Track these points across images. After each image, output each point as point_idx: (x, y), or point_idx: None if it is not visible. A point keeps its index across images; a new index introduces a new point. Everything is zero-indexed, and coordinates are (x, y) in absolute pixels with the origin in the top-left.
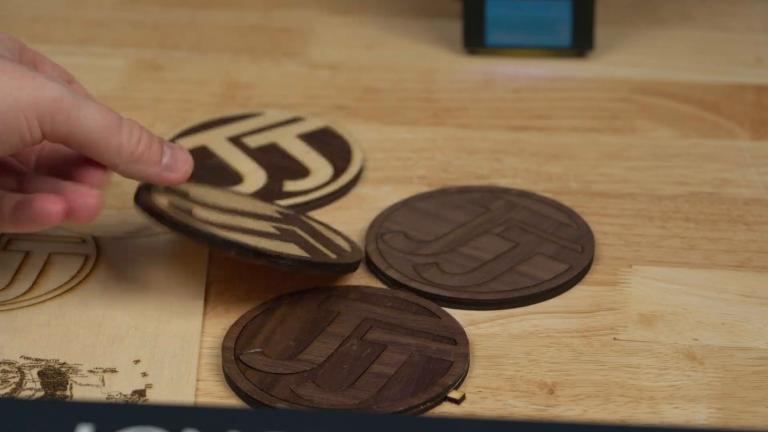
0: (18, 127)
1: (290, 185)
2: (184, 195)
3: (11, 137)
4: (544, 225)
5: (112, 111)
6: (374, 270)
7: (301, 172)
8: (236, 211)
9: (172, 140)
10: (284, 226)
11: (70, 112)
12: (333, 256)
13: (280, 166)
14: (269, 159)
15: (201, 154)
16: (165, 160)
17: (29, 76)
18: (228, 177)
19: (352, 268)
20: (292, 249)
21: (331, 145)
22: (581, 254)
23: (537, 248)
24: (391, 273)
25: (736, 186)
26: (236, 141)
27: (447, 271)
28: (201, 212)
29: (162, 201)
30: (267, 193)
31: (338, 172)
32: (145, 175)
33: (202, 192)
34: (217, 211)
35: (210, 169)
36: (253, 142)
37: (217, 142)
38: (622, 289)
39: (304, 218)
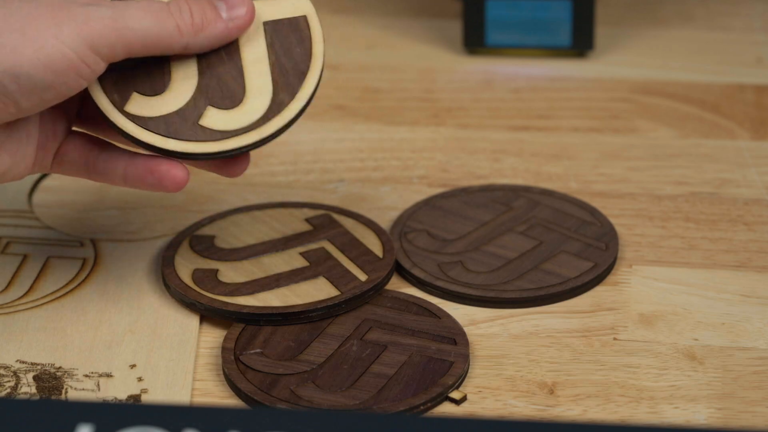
0: (67, 63)
1: (210, 117)
2: (209, 247)
3: (63, 75)
4: (567, 223)
5: (154, 1)
6: (399, 269)
7: (234, 95)
8: (263, 249)
9: None
10: (313, 247)
11: (119, 29)
12: (363, 277)
13: (217, 74)
14: (212, 55)
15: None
16: (224, 14)
17: (65, 10)
18: (155, 79)
19: (382, 285)
20: (320, 289)
21: (292, 53)
22: (605, 252)
23: (561, 246)
24: (416, 272)
25: (736, 186)
26: None
27: (472, 270)
28: (228, 273)
29: (184, 272)
30: (179, 123)
31: (273, 109)
32: (216, 38)
33: (228, 228)
34: (243, 261)
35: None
36: None
37: None
38: (622, 289)
39: (336, 217)
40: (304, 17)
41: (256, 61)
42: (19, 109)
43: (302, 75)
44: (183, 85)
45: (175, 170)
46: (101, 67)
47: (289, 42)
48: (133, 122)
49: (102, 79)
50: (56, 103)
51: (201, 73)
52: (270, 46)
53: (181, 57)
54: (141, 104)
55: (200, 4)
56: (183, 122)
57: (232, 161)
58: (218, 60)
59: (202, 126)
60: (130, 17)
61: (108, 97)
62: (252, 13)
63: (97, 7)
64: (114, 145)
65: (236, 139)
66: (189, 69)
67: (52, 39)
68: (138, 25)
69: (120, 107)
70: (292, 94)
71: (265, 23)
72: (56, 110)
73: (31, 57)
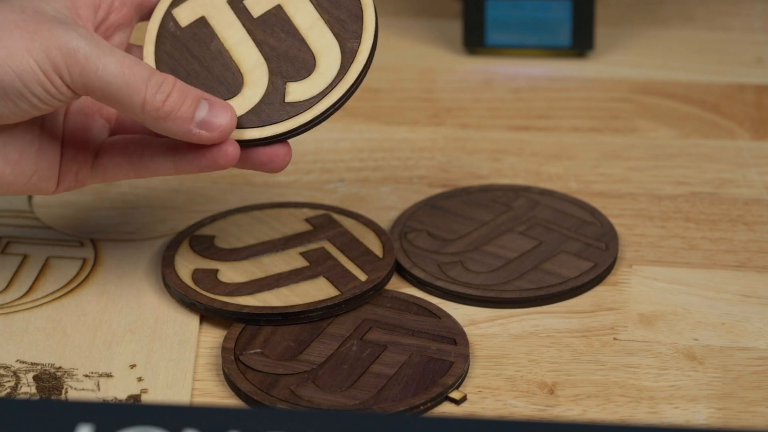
0: (33, 76)
1: (293, 91)
2: (209, 247)
3: (31, 86)
4: (567, 223)
5: (141, 64)
6: (399, 269)
7: (306, 63)
8: (263, 249)
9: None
10: (313, 247)
11: (86, 63)
12: (363, 277)
13: (282, 52)
14: (271, 39)
15: (198, 35)
16: (200, 115)
17: (45, 28)
18: (228, 81)
19: (383, 285)
20: (321, 289)
21: (340, 3)
22: (605, 252)
23: (561, 246)
24: (416, 272)
25: (736, 186)
26: (237, 6)
27: (472, 270)
28: (228, 273)
29: (184, 272)
30: (268, 110)
31: (347, 57)
32: (174, 134)
33: (228, 228)
34: (243, 261)
35: (207, 67)
36: (255, 6)
37: (215, 6)
38: (622, 289)
39: (336, 217)
40: None
41: (312, 26)
42: None
43: (359, 18)
44: (255, 76)
45: (226, 146)
46: (66, 92)
47: None
48: None
49: None
50: (39, 115)
51: (267, 58)
52: (318, 7)
53: (241, 51)
54: None
55: (183, 94)
56: (270, 107)
57: (274, 153)
58: (278, 41)
59: (289, 103)
60: (104, 64)
61: None
62: (226, 134)
63: (79, 36)
64: (157, 138)
65: (327, 99)
66: (254, 59)
67: (23, 50)
68: (105, 74)
69: None
70: (358, 38)
71: None
72: (85, 121)
73: (1, 62)
